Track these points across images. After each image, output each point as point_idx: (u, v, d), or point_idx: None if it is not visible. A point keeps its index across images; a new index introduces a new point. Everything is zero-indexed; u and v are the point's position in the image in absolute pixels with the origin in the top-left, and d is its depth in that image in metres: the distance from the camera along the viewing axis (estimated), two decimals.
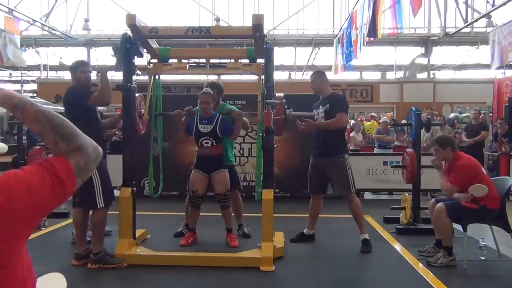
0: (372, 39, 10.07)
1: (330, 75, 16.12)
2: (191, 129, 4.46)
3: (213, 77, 7.11)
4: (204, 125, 4.40)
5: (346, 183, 4.46)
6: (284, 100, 4.32)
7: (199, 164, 4.51)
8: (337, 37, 14.63)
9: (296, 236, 4.71)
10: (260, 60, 4.39)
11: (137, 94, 4.45)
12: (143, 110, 4.52)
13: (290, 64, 18.17)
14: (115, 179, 4.73)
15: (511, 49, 9.60)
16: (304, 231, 4.75)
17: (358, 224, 4.51)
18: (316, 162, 4.64)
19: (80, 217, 4.01)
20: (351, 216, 4.58)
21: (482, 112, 12.41)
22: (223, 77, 13.10)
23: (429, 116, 7.79)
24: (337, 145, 4.49)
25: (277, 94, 4.23)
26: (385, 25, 10.02)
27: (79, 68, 4.05)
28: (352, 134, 8.80)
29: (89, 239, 4.16)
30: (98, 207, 3.85)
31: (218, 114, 4.46)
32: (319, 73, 4.74)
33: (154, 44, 4.46)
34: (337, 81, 15.96)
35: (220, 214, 4.59)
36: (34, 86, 18.14)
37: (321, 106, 4.58)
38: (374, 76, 19.68)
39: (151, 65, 4.54)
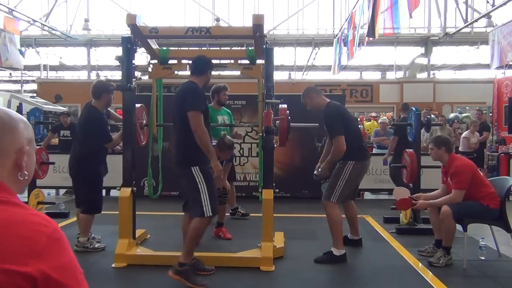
0: (371, 38, 10.08)
1: (330, 75, 16.27)
2: None
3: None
4: None
5: (331, 188, 4.14)
6: (288, 111, 4.08)
7: None
8: (337, 37, 14.64)
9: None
10: (260, 61, 4.38)
11: (139, 105, 4.41)
12: (144, 121, 4.51)
13: (290, 64, 18.18)
14: (115, 179, 4.77)
15: (511, 49, 9.60)
16: (348, 235, 4.57)
17: (331, 235, 4.14)
18: None
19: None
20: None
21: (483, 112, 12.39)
22: (223, 75, 13.16)
23: (428, 116, 7.76)
24: (348, 153, 4.06)
25: (280, 106, 4.09)
26: (384, 25, 10.02)
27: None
28: (465, 134, 8.26)
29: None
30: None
31: None
32: (309, 90, 4.32)
33: (154, 44, 4.45)
34: (337, 81, 16.00)
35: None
36: (34, 86, 18.14)
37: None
38: (374, 76, 19.71)
39: (151, 66, 4.52)
